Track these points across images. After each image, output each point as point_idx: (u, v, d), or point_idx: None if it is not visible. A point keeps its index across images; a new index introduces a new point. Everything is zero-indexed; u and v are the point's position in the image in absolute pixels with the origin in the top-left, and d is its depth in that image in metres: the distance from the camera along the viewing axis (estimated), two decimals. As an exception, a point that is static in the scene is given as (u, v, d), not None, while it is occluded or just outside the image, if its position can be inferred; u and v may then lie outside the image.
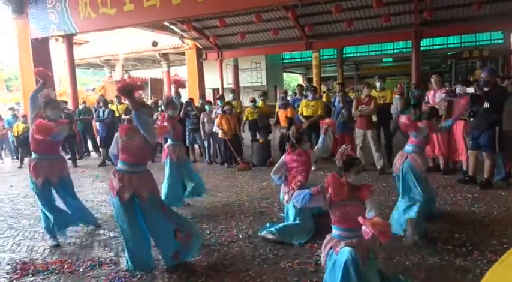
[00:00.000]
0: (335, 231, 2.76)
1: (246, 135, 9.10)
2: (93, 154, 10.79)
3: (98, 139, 9.93)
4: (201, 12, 9.10)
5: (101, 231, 4.54)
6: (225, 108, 8.12)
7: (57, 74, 11.95)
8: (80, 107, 10.67)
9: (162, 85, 21.39)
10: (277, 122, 8.31)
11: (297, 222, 4.02)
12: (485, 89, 5.40)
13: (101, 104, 9.66)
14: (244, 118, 8.92)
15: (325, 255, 2.76)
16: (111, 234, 4.40)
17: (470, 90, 6.29)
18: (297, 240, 3.84)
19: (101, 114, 9.33)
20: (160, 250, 3.46)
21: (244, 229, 4.35)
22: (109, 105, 9.97)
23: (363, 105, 6.91)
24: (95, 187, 6.98)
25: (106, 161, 9.13)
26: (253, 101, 9.02)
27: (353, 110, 7.09)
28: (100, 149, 9.66)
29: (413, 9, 12.42)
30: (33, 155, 4.21)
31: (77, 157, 9.68)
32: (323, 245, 2.83)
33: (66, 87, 11.96)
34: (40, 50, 10.68)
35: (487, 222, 4.18)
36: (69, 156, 9.23)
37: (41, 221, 4.35)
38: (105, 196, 6.21)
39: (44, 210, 4.22)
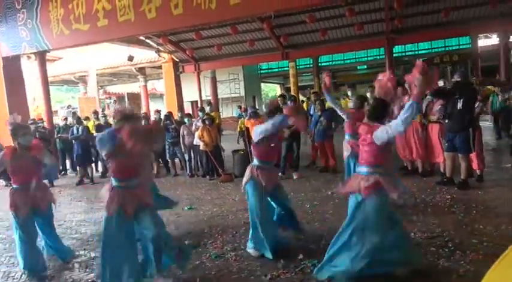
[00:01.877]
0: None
1: (227, 146, 9.06)
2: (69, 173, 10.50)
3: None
4: (176, 25, 9.08)
5: (81, 252, 4.39)
6: (204, 118, 8.11)
7: (31, 92, 11.64)
8: (61, 124, 10.40)
9: (140, 100, 21.21)
10: (247, 134, 8.21)
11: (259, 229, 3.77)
12: (458, 90, 5.58)
13: (75, 121, 9.45)
14: (238, 129, 8.94)
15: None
16: (92, 255, 4.27)
17: (440, 83, 6.41)
18: (267, 252, 3.70)
19: (75, 131, 9.09)
20: (166, 255, 3.33)
21: (229, 241, 4.30)
22: (84, 122, 9.76)
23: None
24: (74, 206, 6.78)
25: (84, 179, 8.92)
26: (245, 110, 9.01)
27: None
28: (77, 167, 9.42)
29: (385, 18, 12.78)
30: (14, 186, 3.89)
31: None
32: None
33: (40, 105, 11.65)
34: (12, 68, 10.43)
35: (466, 222, 4.27)
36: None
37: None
38: (84, 215, 6.04)
39: (20, 245, 3.84)
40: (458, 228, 4.12)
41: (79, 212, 6.36)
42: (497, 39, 16.41)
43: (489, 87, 11.35)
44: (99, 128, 9.19)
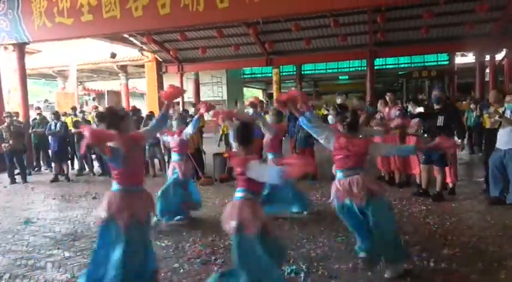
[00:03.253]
0: None
1: (207, 149, 9.02)
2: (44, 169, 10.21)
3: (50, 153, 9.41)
4: (162, 25, 9.04)
5: (55, 251, 4.27)
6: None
7: (6, 83, 11.24)
8: (34, 116, 10.07)
9: (120, 98, 20.85)
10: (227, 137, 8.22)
11: None
12: (437, 106, 5.76)
13: (53, 116, 9.20)
14: (221, 132, 8.93)
15: None
16: (66, 254, 4.16)
17: (420, 109, 6.65)
18: None
19: (52, 127, 8.84)
20: None
21: (208, 245, 4.28)
22: (62, 118, 9.53)
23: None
24: (47, 204, 6.59)
25: (59, 176, 8.68)
26: None
27: None
28: (52, 164, 9.17)
29: (368, 31, 13.10)
30: (116, 187, 3.08)
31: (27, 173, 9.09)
32: None
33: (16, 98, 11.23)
34: (-12, 58, 10.13)
35: (440, 233, 4.40)
36: (18, 171, 8.69)
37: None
38: (58, 214, 5.88)
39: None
40: (432, 238, 4.24)
41: (53, 210, 6.19)
42: (473, 57, 17.05)
43: (464, 103, 11.77)
44: (76, 125, 8.97)
